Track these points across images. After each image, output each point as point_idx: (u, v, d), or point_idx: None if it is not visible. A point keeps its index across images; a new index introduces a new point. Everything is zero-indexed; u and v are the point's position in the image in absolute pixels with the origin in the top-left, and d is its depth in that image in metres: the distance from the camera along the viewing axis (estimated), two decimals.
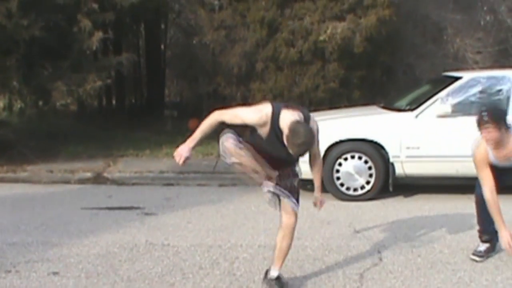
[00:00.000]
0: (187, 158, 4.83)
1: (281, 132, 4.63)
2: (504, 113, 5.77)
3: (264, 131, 4.74)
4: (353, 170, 8.48)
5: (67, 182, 9.98)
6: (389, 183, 8.51)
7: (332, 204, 8.10)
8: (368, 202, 8.30)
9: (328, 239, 6.49)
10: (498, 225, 5.59)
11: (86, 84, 11.69)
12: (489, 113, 5.48)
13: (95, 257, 5.92)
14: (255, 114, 4.73)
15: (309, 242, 6.40)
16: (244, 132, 4.90)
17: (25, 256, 5.96)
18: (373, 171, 8.49)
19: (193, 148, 4.83)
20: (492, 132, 5.42)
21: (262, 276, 5.28)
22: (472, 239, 6.50)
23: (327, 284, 5.25)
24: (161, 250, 6.17)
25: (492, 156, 5.65)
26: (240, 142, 4.75)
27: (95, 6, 11.55)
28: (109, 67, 12.81)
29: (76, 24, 11.62)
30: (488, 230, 6.03)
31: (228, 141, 4.72)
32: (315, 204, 5.21)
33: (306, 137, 4.49)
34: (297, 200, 4.99)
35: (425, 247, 6.19)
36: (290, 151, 4.57)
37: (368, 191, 8.50)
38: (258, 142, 4.82)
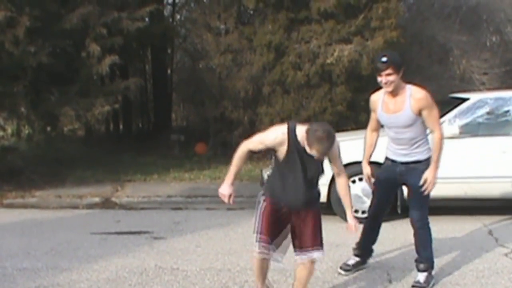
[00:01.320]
0: (230, 195, 4.99)
1: (301, 145, 4.70)
2: (401, 60, 5.78)
3: (282, 151, 4.80)
4: (362, 193, 8.46)
5: (76, 207, 9.99)
6: (398, 205, 8.49)
7: (340, 227, 8.06)
8: None
9: (337, 262, 6.48)
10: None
11: (93, 109, 11.73)
12: (388, 56, 5.58)
13: (105, 282, 5.93)
14: (272, 134, 4.86)
15: (318, 264, 6.34)
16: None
17: (35, 281, 5.97)
18: None
19: (232, 184, 4.98)
20: (391, 75, 5.51)
21: None
22: (481, 260, 6.52)
23: None
24: (170, 274, 6.17)
25: (380, 108, 5.77)
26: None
27: (104, 31, 11.62)
28: (117, 92, 12.85)
29: (84, 49, 11.68)
30: (366, 247, 6.25)
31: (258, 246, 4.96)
32: (351, 228, 5.12)
33: (325, 131, 4.55)
34: (321, 243, 5.05)
35: (435, 269, 6.17)
36: (314, 152, 4.58)
37: None
38: (279, 181, 4.94)
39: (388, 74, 5.50)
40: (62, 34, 11.58)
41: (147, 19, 15.26)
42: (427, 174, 5.66)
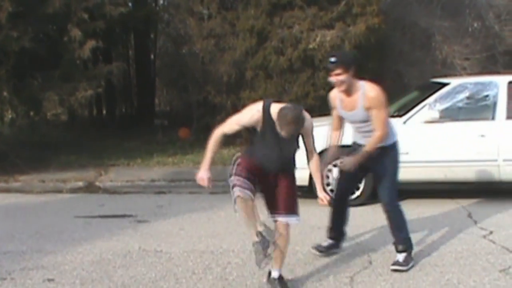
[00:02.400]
0: (209, 179, 5.14)
1: (274, 122, 4.86)
2: (352, 58, 5.93)
3: (259, 128, 4.99)
4: None
5: (59, 191, 10.04)
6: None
7: (322, 210, 8.16)
8: (358, 207, 8.33)
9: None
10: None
11: (77, 93, 11.74)
12: (337, 57, 5.67)
13: (89, 264, 5.98)
14: (248, 113, 5.04)
15: (300, 247, 6.48)
16: (246, 143, 5.11)
17: (20, 264, 6.02)
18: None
19: (209, 168, 5.15)
20: (340, 75, 5.58)
21: (254, 280, 5.41)
22: (460, 241, 6.63)
23: None
24: (154, 256, 6.24)
25: (339, 105, 5.89)
26: (243, 172, 4.99)
27: (85, 15, 11.60)
28: (100, 76, 12.87)
29: (66, 34, 11.67)
30: (337, 229, 6.32)
31: (235, 190, 4.96)
32: (321, 201, 5.28)
33: (294, 116, 4.72)
34: (295, 210, 5.22)
35: (414, 251, 6.26)
36: (283, 132, 4.76)
37: (358, 197, 8.56)
38: (257, 149, 5.09)
39: (338, 74, 5.56)
40: (44, 19, 11.57)
41: (130, 4, 15.24)
42: (349, 158, 5.79)
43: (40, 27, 11.66)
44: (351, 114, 5.81)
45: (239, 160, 5.12)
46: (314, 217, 7.47)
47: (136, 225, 7.59)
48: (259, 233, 4.98)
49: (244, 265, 5.88)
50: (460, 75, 13.06)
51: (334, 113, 6.17)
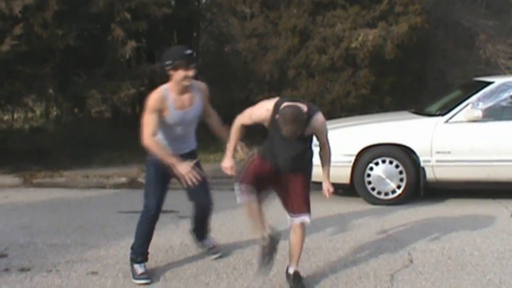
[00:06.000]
0: (232, 167, 5.39)
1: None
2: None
3: (268, 126, 5.07)
4: (384, 175, 8.54)
5: (103, 187, 10.18)
6: (420, 188, 8.57)
7: (363, 208, 8.19)
8: (399, 206, 8.34)
9: (359, 242, 6.58)
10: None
11: (120, 92, 11.87)
12: (196, 52, 5.57)
13: None
14: (258, 110, 5.14)
15: (341, 244, 6.50)
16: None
17: (64, 256, 6.15)
18: (404, 175, 8.54)
19: (233, 156, 5.39)
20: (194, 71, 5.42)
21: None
22: (502, 242, 6.58)
23: (359, 285, 5.35)
24: (195, 251, 6.31)
25: (171, 104, 5.49)
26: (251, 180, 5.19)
27: (128, 15, 11.72)
28: (143, 75, 12.97)
29: (110, 33, 11.81)
30: None
31: (239, 191, 5.27)
32: (325, 193, 5.38)
33: (292, 116, 4.71)
34: (307, 209, 5.26)
35: (455, 250, 6.26)
36: (283, 132, 4.78)
37: (399, 195, 8.55)
38: (269, 147, 5.19)
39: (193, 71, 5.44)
40: (89, 18, 11.70)
41: (173, 3, 15.34)
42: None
43: (85, 26, 11.80)
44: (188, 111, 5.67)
45: (252, 159, 5.26)
46: (354, 214, 7.51)
47: (177, 221, 7.67)
48: (267, 237, 5.13)
49: (284, 261, 5.88)
50: (504, 74, 12.94)
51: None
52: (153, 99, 5.45)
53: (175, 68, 5.35)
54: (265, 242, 5.15)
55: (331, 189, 5.38)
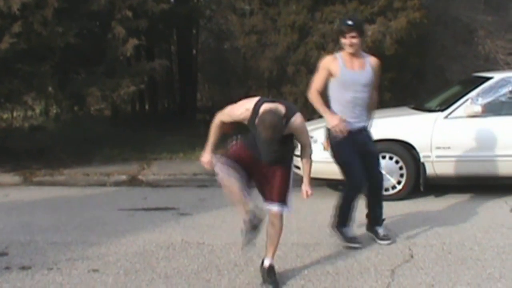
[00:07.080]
0: (209, 161, 5.38)
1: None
2: (364, 25, 6.33)
3: (247, 124, 5.14)
4: (384, 170, 8.51)
5: (103, 184, 10.17)
6: (420, 183, 8.58)
7: (363, 204, 8.19)
8: (400, 201, 8.35)
9: (360, 237, 6.58)
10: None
11: (119, 89, 11.84)
12: (354, 21, 5.99)
13: (132, 255, 6.10)
14: (238, 110, 5.23)
15: (341, 240, 6.50)
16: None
17: (65, 254, 6.16)
18: (404, 171, 8.55)
19: (212, 151, 5.38)
20: (356, 38, 5.93)
21: (295, 272, 5.46)
22: (502, 236, 6.60)
23: (359, 280, 5.36)
24: (196, 248, 6.33)
25: (343, 65, 6.07)
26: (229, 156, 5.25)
27: (129, 13, 11.71)
28: (142, 72, 12.95)
29: (110, 31, 11.80)
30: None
31: (216, 166, 5.25)
32: (303, 195, 5.41)
33: (272, 122, 4.75)
34: (287, 200, 5.29)
35: (456, 245, 6.27)
36: (262, 135, 4.83)
37: (399, 190, 8.56)
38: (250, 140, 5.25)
39: (353, 37, 5.97)
40: (89, 16, 11.69)
41: (172, 0, 15.34)
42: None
43: (85, 24, 11.79)
44: (359, 73, 6.07)
45: (235, 143, 5.37)
46: (358, 212, 7.50)
47: (178, 218, 7.69)
48: (249, 212, 5.14)
49: (285, 257, 5.93)
50: (503, 70, 12.94)
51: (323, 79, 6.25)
52: (324, 59, 6.25)
53: (340, 35, 6.09)
54: (247, 217, 5.15)
55: (310, 192, 5.40)
